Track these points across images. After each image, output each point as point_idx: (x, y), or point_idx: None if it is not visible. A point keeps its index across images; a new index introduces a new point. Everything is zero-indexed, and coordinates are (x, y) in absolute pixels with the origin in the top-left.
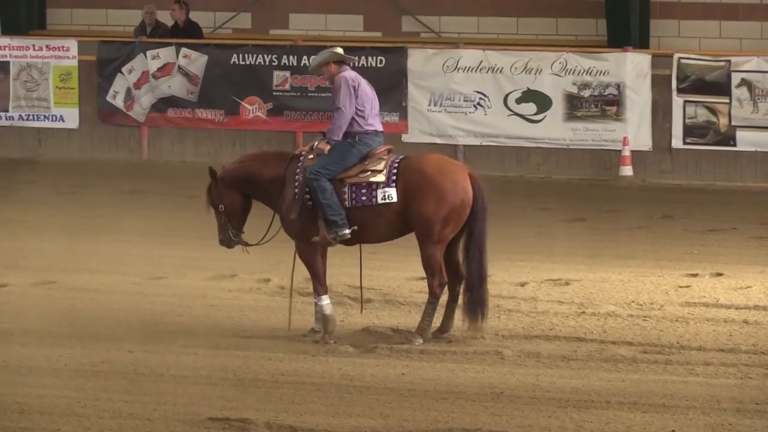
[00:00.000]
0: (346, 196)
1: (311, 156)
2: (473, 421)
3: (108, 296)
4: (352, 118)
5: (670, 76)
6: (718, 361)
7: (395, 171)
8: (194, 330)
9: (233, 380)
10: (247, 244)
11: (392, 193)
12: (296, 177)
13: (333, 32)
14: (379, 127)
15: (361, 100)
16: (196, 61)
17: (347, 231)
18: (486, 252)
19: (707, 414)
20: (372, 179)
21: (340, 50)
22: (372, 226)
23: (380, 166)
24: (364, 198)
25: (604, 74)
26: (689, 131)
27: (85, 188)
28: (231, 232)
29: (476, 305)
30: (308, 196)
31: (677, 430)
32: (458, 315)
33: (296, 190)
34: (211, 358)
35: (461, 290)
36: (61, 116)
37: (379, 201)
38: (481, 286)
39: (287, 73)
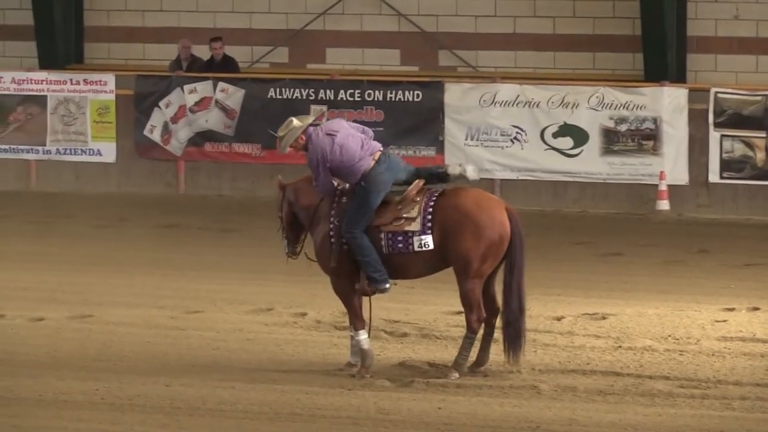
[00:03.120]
0: (383, 243)
1: (344, 199)
2: None
3: (144, 330)
4: (354, 166)
5: (707, 110)
6: (754, 395)
7: (430, 213)
8: (230, 364)
9: (270, 414)
10: (293, 256)
11: (428, 241)
12: (331, 219)
13: (370, 66)
14: (379, 146)
15: (344, 154)
16: (233, 96)
17: (387, 286)
18: (524, 286)
19: None
20: (407, 228)
21: (297, 122)
22: (410, 268)
23: (414, 213)
24: (400, 246)
25: (640, 108)
26: (726, 165)
27: (123, 222)
28: (284, 242)
29: (516, 339)
30: (344, 241)
31: None
32: (494, 348)
33: (332, 234)
34: (248, 392)
35: (501, 324)
36: (98, 150)
37: (416, 249)
38: (520, 320)
39: (324, 108)
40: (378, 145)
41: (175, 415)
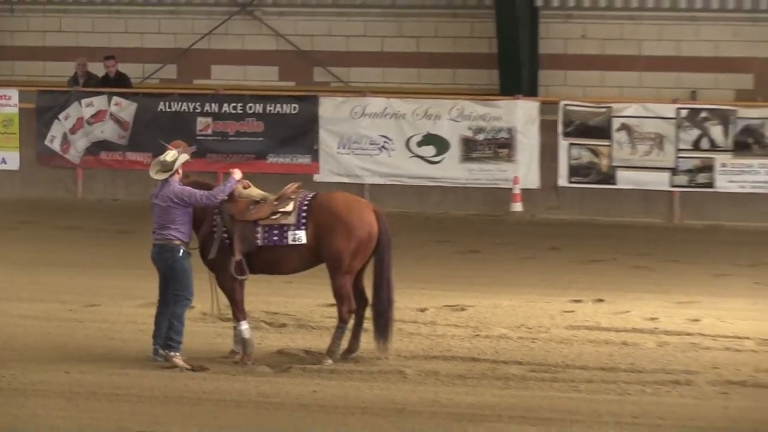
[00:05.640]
0: (258, 235)
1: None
2: None
3: (46, 322)
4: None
5: (557, 121)
6: (599, 378)
7: (305, 212)
8: (125, 353)
9: (160, 398)
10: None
11: (302, 236)
12: (214, 216)
13: (251, 82)
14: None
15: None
16: (126, 109)
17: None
18: (392, 280)
19: (590, 427)
20: (282, 221)
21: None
22: (285, 261)
23: (289, 207)
24: (275, 238)
25: (496, 120)
26: (574, 171)
27: (26, 224)
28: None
29: (385, 328)
30: (226, 236)
31: None
32: (364, 337)
33: (214, 230)
34: (141, 379)
35: (371, 315)
36: (3, 159)
37: (290, 242)
38: (389, 311)
39: (209, 120)
40: None
41: (74, 399)
